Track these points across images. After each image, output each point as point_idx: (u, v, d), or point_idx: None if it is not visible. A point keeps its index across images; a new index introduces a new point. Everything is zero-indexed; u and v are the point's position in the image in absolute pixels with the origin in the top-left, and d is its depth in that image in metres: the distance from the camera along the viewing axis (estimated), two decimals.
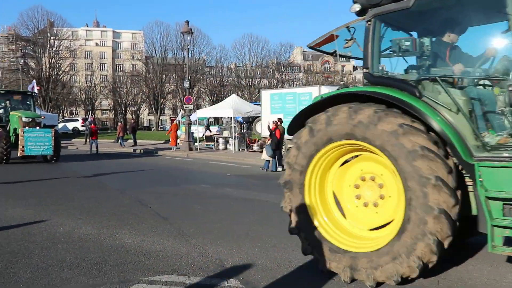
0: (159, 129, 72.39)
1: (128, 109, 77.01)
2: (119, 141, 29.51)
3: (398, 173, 4.26)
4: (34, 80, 31.29)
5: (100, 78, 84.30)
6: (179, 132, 27.88)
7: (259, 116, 25.70)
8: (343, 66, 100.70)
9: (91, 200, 9.53)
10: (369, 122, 4.36)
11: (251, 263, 5.23)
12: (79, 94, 75.04)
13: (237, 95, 38.71)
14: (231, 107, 24.27)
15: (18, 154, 17.26)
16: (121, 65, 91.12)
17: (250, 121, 27.90)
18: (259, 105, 25.70)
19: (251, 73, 73.63)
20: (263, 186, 12.17)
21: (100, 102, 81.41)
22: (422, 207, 4.06)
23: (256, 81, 72.89)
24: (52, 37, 63.79)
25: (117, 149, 27.62)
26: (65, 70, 67.01)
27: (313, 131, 4.81)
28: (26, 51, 60.17)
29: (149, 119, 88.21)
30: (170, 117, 76.73)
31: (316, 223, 4.97)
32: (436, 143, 4.18)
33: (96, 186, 11.85)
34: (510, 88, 4.03)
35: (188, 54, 38.91)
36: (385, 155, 4.34)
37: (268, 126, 15.96)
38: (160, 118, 76.06)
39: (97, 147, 24.00)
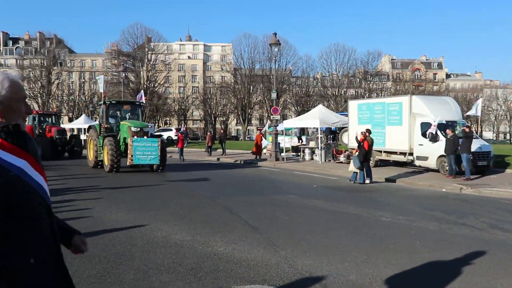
0: (246, 138, 74.12)
1: (217, 119, 79.96)
2: (208, 150, 30.75)
3: None
4: (142, 91, 33.10)
5: (192, 89, 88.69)
6: (265, 142, 28.35)
7: (345, 127, 25.27)
8: (435, 74, 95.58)
9: (185, 207, 10.03)
10: None
11: (341, 278, 5.15)
12: (173, 105, 79.46)
13: (323, 105, 38.35)
14: (317, 117, 24.15)
15: (127, 163, 17.55)
16: (211, 77, 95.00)
17: (332, 131, 27.54)
18: (346, 115, 25.27)
19: (337, 83, 72.71)
20: (351, 198, 11.93)
21: (192, 113, 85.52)
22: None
23: (343, 91, 71.79)
24: (149, 52, 68.58)
25: (206, 158, 28.77)
26: (161, 83, 71.57)
27: None
28: (127, 65, 65.35)
29: (237, 129, 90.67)
30: (257, 127, 78.23)
31: None
32: None
33: (189, 193, 12.44)
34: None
35: (275, 65, 39.55)
36: None
37: (356, 137, 15.62)
38: (247, 128, 77.88)
39: (181, 155, 26.00)
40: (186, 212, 9.41)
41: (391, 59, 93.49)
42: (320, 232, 7.74)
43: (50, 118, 30.07)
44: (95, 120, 33.23)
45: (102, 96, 21.08)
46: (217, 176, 17.59)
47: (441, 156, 16.58)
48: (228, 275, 5.22)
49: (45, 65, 73.89)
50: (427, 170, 18.19)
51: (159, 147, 17.64)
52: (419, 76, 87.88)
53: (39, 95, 72.52)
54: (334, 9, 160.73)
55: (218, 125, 78.02)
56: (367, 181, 15.17)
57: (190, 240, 6.91)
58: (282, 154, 25.77)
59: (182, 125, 65.25)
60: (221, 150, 32.22)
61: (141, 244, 6.63)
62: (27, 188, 1.88)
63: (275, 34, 25.65)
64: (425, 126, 17.41)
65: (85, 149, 22.89)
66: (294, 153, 28.61)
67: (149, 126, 21.34)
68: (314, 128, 27.14)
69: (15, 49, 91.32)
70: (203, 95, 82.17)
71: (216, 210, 9.76)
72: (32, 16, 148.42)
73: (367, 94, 68.05)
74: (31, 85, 70.97)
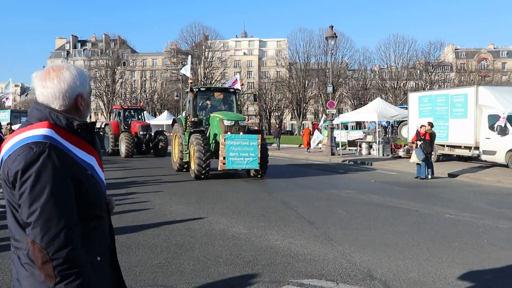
0: (301, 133, 73.67)
1: (272, 114, 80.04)
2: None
3: None
4: (238, 74, 28.78)
5: (247, 85, 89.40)
6: (321, 137, 28.05)
7: (405, 120, 24.38)
8: (504, 63, 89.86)
9: (241, 201, 10.13)
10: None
11: (402, 276, 4.96)
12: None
13: (381, 98, 37.24)
14: (375, 111, 23.50)
15: (218, 168, 13.59)
16: (266, 72, 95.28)
17: (388, 125, 26.65)
18: (405, 108, 24.37)
19: (396, 75, 70.26)
20: (411, 193, 11.49)
21: (247, 108, 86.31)
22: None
23: (402, 83, 69.32)
24: (206, 49, 69.90)
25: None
26: (217, 79, 72.73)
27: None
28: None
29: (292, 124, 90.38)
30: (312, 122, 77.56)
31: None
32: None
33: (245, 187, 12.55)
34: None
35: (331, 58, 38.91)
36: None
37: (418, 131, 14.96)
38: (302, 122, 77.35)
39: None
40: (243, 205, 9.49)
41: (455, 49, 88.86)
42: (379, 227, 7.52)
43: (136, 113, 28.05)
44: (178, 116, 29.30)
45: (190, 82, 16.30)
46: (272, 170, 17.59)
47: (511, 150, 15.56)
48: (285, 269, 5.19)
49: (109, 65, 77.58)
50: (495, 165, 17.15)
51: (259, 146, 13.59)
52: (486, 66, 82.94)
53: (104, 93, 76.30)
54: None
55: (273, 120, 78.11)
56: (429, 176, 14.55)
57: (247, 233, 6.96)
58: (337, 148, 25.34)
59: None
60: (275, 145, 32.31)
61: (200, 236, 6.77)
62: (97, 186, 1.87)
63: (332, 27, 25.19)
64: (493, 118, 16.40)
65: (171, 146, 18.97)
66: (350, 148, 28.03)
67: (246, 119, 16.90)
68: (371, 122, 26.43)
69: (83, 51, 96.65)
70: (258, 90, 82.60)
71: (272, 204, 9.77)
72: (98, 19, 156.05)
73: (428, 86, 65.23)
74: (97, 84, 74.88)
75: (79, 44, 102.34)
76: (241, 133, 14.00)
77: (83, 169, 1.79)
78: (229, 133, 13.84)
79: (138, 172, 16.34)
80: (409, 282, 4.76)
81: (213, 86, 22.69)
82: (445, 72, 74.02)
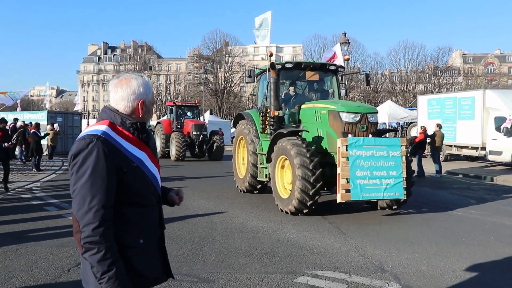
0: None
1: None
2: None
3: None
4: (339, 44, 19.67)
5: None
6: None
7: (414, 121, 24.09)
8: (510, 68, 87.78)
9: (259, 196, 10.12)
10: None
11: (412, 269, 4.91)
12: (247, 103, 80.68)
13: (391, 100, 36.80)
14: (386, 112, 23.24)
15: (339, 199, 7.36)
16: None
17: (398, 126, 26.31)
18: (415, 110, 24.04)
19: (406, 79, 69.29)
20: (418, 191, 11.31)
21: None
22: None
23: (411, 86, 68.31)
24: (226, 55, 70.05)
25: None
26: (236, 83, 72.85)
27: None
28: (207, 68, 67.32)
29: None
30: None
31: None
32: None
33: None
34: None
35: (344, 63, 38.60)
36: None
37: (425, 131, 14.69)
38: None
39: None
40: (260, 201, 9.50)
41: (463, 54, 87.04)
42: (389, 223, 7.44)
43: (190, 111, 23.10)
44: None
45: (268, 56, 9.57)
46: None
47: None
48: (301, 261, 5.19)
49: (137, 69, 78.41)
50: (501, 164, 16.80)
51: (403, 157, 7.71)
52: (492, 70, 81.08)
53: None
54: (402, 7, 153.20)
55: None
56: (437, 174, 14.37)
57: (264, 227, 6.97)
58: None
59: None
60: None
61: (221, 229, 6.80)
62: (144, 178, 2.01)
63: (345, 33, 24.93)
64: (499, 120, 16.06)
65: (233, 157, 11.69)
66: None
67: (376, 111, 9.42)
68: (382, 123, 26.14)
69: (113, 56, 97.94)
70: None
71: None
72: (127, 27, 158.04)
73: (436, 90, 64.13)
74: None
75: (110, 50, 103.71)
76: (370, 135, 7.97)
77: (129, 161, 1.94)
78: (350, 135, 7.72)
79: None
80: (419, 275, 4.70)
81: (303, 61, 13.04)
82: (453, 76, 72.60)
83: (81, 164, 1.83)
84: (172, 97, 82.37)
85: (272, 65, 9.30)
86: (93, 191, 1.81)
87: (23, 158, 18.29)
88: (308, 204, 7.54)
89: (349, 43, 26.19)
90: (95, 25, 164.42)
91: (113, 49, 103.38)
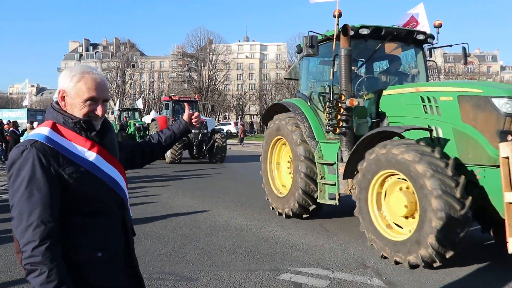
0: None
1: None
2: (241, 141, 32.22)
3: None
4: (421, 4, 14.17)
5: (249, 86, 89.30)
6: None
7: None
8: (489, 67, 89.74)
9: (243, 195, 10.14)
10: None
11: (393, 265, 4.98)
12: (231, 101, 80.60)
13: None
14: None
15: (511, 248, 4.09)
16: (267, 74, 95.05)
17: None
18: None
19: None
20: None
21: (249, 108, 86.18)
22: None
23: None
24: (211, 53, 69.80)
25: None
26: (221, 81, 72.68)
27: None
28: (191, 66, 66.99)
29: None
30: None
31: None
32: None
33: (247, 182, 12.54)
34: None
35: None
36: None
37: None
38: None
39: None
40: (245, 199, 9.51)
41: (443, 53, 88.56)
42: None
43: (190, 107, 21.94)
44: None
45: (337, 20, 6.31)
46: None
47: None
48: (284, 258, 5.22)
49: (120, 67, 77.50)
50: None
51: None
52: (472, 70, 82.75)
53: (115, 94, 76.28)
54: (383, 5, 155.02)
55: None
56: None
57: (248, 225, 6.99)
58: None
59: (240, 120, 66.09)
60: None
61: (205, 227, 6.79)
62: (97, 182, 1.76)
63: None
64: None
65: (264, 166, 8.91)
66: None
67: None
68: None
69: (95, 54, 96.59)
70: (260, 91, 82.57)
71: None
72: (109, 24, 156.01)
73: None
74: (108, 85, 74.92)
75: (91, 47, 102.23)
76: None
77: (76, 165, 1.70)
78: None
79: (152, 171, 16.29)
80: (400, 271, 4.78)
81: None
82: (433, 75, 73.95)
83: (16, 175, 1.62)
84: (155, 95, 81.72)
85: (345, 30, 5.99)
86: (31, 205, 1.59)
87: (2, 157, 17.92)
88: (447, 256, 4.56)
89: None
90: (76, 21, 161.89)
91: (95, 46, 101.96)
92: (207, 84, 65.44)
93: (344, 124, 6.11)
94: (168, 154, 17.16)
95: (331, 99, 6.30)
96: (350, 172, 5.95)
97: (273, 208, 7.86)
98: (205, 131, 18.14)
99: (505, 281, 4.49)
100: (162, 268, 4.80)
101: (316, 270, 4.78)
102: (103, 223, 1.80)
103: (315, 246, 5.77)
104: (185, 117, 2.40)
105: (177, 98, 20.19)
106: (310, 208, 7.07)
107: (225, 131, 49.77)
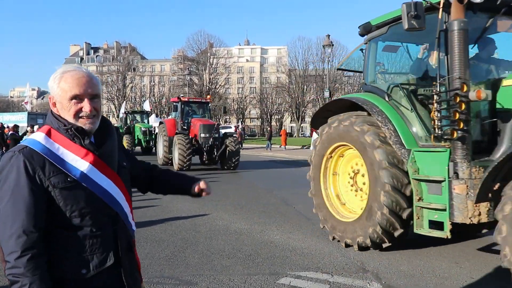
0: (300, 135, 73.84)
1: (272, 117, 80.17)
2: (268, 145, 31.57)
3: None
4: None
5: (250, 90, 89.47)
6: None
7: None
8: None
9: (243, 198, 10.14)
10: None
11: (393, 269, 4.98)
12: (232, 104, 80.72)
13: None
14: None
15: None
16: (267, 78, 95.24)
17: None
18: None
19: None
20: None
21: (249, 111, 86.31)
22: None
23: None
24: (211, 56, 70.07)
25: (264, 153, 28.97)
26: (221, 84, 72.91)
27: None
28: (191, 69, 67.19)
29: (291, 126, 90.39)
30: (310, 124, 77.58)
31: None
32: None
33: (247, 185, 12.56)
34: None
35: (328, 65, 38.95)
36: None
37: None
38: (301, 125, 77.46)
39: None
40: (244, 202, 9.51)
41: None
42: None
43: (199, 109, 18.84)
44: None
45: None
46: (273, 168, 17.62)
47: None
48: (284, 262, 5.22)
49: (120, 70, 77.74)
50: None
51: None
52: None
53: (115, 97, 76.44)
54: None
55: (273, 123, 78.29)
56: None
57: (248, 229, 6.99)
58: None
59: (240, 123, 66.18)
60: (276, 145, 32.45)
61: (204, 231, 6.79)
62: (87, 194, 1.65)
63: (328, 36, 25.23)
64: None
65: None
66: None
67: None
68: None
69: (96, 57, 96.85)
70: (260, 95, 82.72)
71: (272, 201, 9.78)
72: (110, 28, 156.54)
73: None
74: (109, 89, 75.02)
75: (92, 51, 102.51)
76: None
77: (64, 174, 1.61)
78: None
79: None
80: (400, 275, 4.78)
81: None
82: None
83: (3, 181, 1.57)
84: (156, 98, 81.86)
85: None
86: (14, 214, 1.53)
87: None
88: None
89: (332, 45, 26.53)
90: (77, 25, 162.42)
91: (96, 49, 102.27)
92: (207, 87, 65.59)
93: (464, 126, 4.41)
94: (176, 160, 15.72)
95: (442, 91, 4.72)
96: (482, 195, 4.31)
97: (334, 238, 6.05)
98: (216, 135, 16.51)
99: (507, 285, 4.48)
100: (161, 272, 4.80)
101: (316, 274, 4.77)
102: (91, 239, 1.66)
103: (315, 250, 5.77)
104: (196, 189, 2.11)
105: (186, 99, 18.85)
106: (397, 234, 5.25)
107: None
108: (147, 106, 34.47)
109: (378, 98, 5.68)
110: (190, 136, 16.37)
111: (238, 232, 6.77)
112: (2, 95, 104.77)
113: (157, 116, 52.98)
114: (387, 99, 5.58)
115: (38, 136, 1.65)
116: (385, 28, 5.68)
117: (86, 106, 1.68)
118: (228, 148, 16.31)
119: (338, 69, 7.99)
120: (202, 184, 2.09)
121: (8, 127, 18.06)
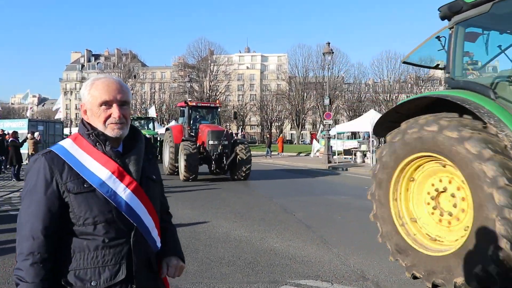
0: (300, 142, 73.86)
1: (273, 124, 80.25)
2: (267, 152, 31.37)
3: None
4: None
5: (250, 97, 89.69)
6: (319, 146, 28.21)
7: None
8: None
9: (244, 205, 10.12)
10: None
11: (393, 277, 4.96)
12: (232, 111, 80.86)
13: (375, 110, 37.36)
14: (369, 122, 23.50)
15: None
16: (268, 85, 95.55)
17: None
18: None
19: (389, 89, 70.48)
20: None
21: (249, 119, 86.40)
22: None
23: (394, 96, 69.48)
24: (212, 63, 70.31)
25: (263, 160, 28.94)
26: (222, 91, 73.03)
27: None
28: (192, 76, 67.38)
29: (291, 133, 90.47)
30: (310, 132, 77.61)
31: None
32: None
33: (247, 192, 12.55)
34: None
35: (328, 72, 39.11)
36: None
37: None
38: (301, 132, 77.54)
39: None
40: (245, 210, 9.49)
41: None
42: (372, 232, 7.48)
43: (208, 114, 17.84)
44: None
45: None
46: (272, 176, 17.60)
47: None
48: (284, 270, 5.20)
49: (121, 78, 77.85)
50: None
51: None
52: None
53: None
54: (385, 17, 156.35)
55: (273, 130, 78.36)
56: None
57: (248, 236, 6.96)
58: (334, 157, 25.35)
59: (240, 130, 66.23)
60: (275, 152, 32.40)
61: (204, 239, 6.77)
62: (102, 203, 1.60)
63: (329, 43, 25.31)
64: None
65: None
66: (345, 156, 28.06)
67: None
68: (365, 132, 26.49)
69: (97, 64, 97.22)
70: (260, 102, 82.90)
71: (272, 208, 9.76)
72: (111, 35, 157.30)
73: None
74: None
75: (93, 58, 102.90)
76: None
77: (81, 180, 1.58)
78: None
79: None
80: (400, 283, 4.76)
81: None
82: (434, 86, 74.17)
83: (25, 184, 1.62)
84: (157, 105, 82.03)
85: None
86: (27, 216, 1.56)
87: (2, 167, 17.93)
88: None
89: (332, 52, 26.60)
90: (78, 32, 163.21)
91: (97, 57, 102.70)
92: (208, 94, 65.74)
93: None
94: (182, 169, 14.71)
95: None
96: None
97: (415, 277, 4.62)
98: (226, 143, 15.13)
99: None
100: None
101: (316, 282, 4.75)
102: (102, 249, 1.59)
103: (315, 258, 5.74)
104: (164, 273, 1.83)
105: (194, 104, 17.43)
106: None
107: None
108: (152, 112, 33.81)
109: (480, 96, 4.28)
110: (198, 143, 15.28)
111: (237, 239, 6.75)
112: (3, 102, 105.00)
113: (158, 123, 52.98)
114: (493, 97, 4.22)
115: (65, 142, 1.68)
116: (487, 5, 4.18)
117: (115, 112, 1.67)
118: (238, 156, 15.10)
119: (404, 62, 5.54)
120: (174, 262, 1.86)
121: (8, 133, 18.09)
